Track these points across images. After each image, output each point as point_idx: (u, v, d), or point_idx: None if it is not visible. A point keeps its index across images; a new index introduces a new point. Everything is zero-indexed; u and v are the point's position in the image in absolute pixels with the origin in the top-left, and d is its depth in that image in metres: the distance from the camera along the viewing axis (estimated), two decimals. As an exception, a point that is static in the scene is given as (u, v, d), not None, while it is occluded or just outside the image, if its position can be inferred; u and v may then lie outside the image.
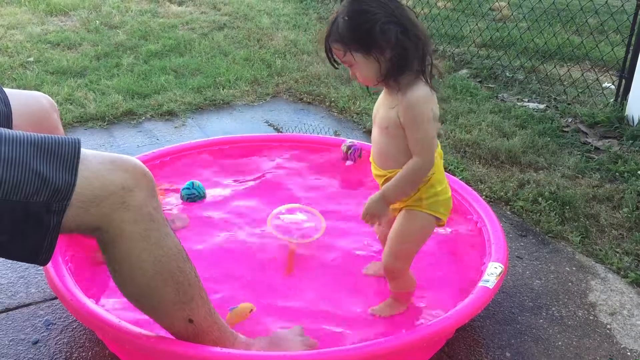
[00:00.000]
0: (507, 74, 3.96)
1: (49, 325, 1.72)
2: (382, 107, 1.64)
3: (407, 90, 1.55)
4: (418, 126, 1.54)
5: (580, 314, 1.85)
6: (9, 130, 1.20)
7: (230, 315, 1.68)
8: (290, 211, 2.18)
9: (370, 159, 1.73)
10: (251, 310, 1.71)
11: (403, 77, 1.54)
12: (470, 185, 2.29)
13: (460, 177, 2.51)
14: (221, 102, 3.44)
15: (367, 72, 1.55)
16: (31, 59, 3.93)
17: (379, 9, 1.50)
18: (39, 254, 1.23)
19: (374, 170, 1.71)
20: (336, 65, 1.63)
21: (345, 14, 1.51)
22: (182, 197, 2.29)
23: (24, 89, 3.29)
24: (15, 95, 1.61)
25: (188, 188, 2.29)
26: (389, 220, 1.74)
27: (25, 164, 1.15)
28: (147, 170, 1.32)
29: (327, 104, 3.45)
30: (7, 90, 1.60)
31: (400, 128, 1.58)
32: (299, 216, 2.16)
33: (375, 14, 1.49)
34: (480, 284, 1.67)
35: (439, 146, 1.65)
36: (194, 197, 2.28)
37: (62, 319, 1.74)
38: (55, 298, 1.77)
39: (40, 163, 1.17)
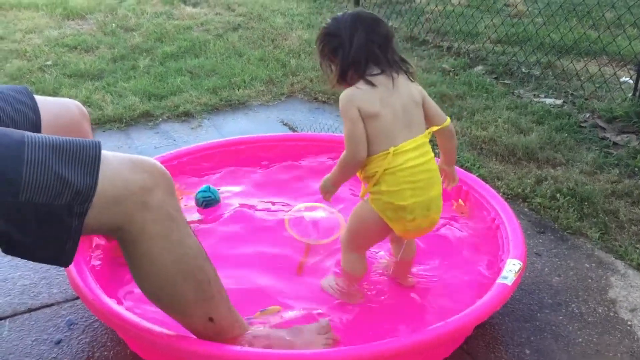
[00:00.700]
0: (523, 69, 3.93)
1: (71, 325, 1.74)
2: None
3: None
4: (343, 122, 1.67)
5: (600, 310, 1.84)
6: (32, 133, 1.22)
7: (259, 315, 1.69)
8: (310, 209, 2.18)
9: None
10: (279, 312, 1.72)
11: (350, 80, 1.68)
12: (487, 182, 2.28)
13: (477, 174, 2.49)
14: (237, 102, 3.46)
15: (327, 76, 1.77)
16: (49, 62, 3.98)
17: (331, 26, 1.71)
18: (61, 256, 1.24)
19: None
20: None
21: None
22: (197, 202, 2.23)
23: (43, 92, 3.35)
24: (45, 104, 1.61)
25: (204, 191, 2.23)
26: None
27: (47, 167, 1.16)
28: (166, 170, 1.34)
29: (342, 102, 3.45)
30: (38, 97, 1.61)
31: None
32: (319, 214, 2.16)
33: (322, 30, 1.73)
34: (499, 280, 1.66)
35: (406, 147, 1.64)
36: (210, 200, 2.22)
37: (83, 319, 1.77)
38: (77, 298, 1.80)
39: (62, 166, 1.18)
